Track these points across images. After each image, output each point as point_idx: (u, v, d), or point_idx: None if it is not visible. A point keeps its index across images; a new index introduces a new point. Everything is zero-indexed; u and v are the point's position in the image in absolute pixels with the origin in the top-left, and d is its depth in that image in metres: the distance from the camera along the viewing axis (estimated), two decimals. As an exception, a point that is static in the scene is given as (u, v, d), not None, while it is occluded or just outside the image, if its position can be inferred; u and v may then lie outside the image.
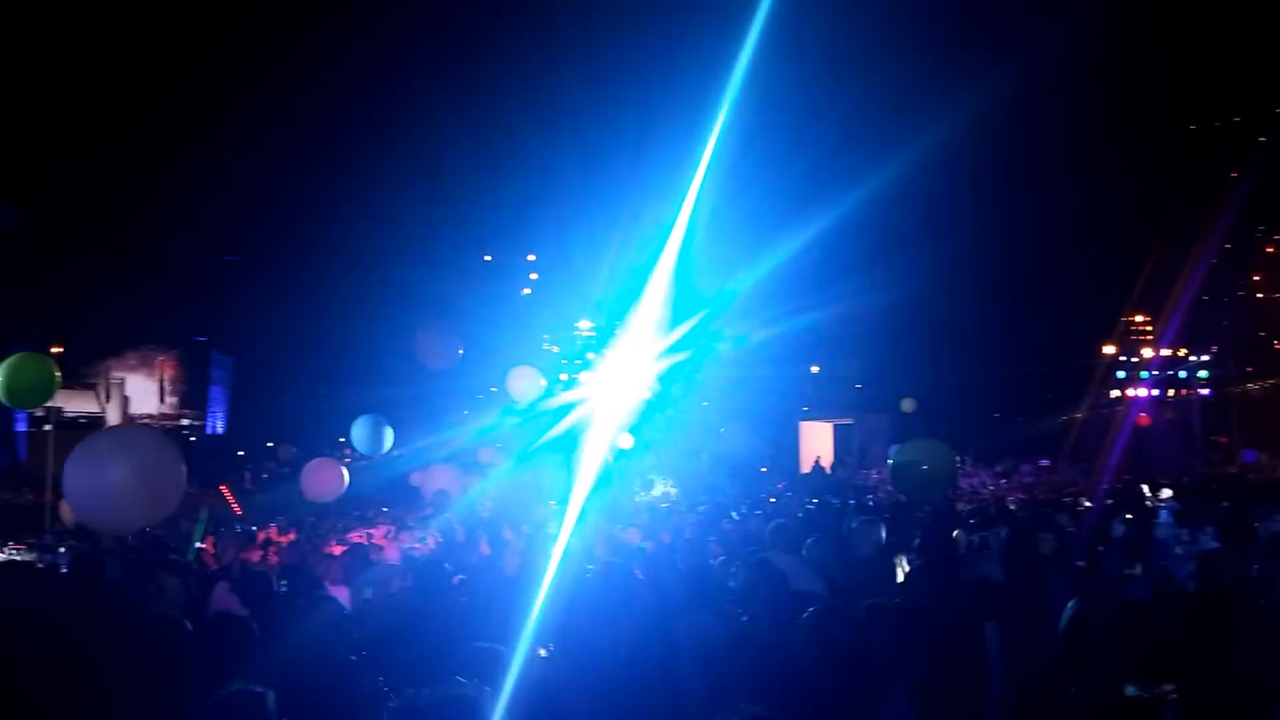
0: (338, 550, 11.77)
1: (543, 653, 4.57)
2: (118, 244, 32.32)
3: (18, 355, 9.94)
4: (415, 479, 17.46)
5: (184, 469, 8.13)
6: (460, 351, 16.34)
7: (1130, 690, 4.86)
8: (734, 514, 12.95)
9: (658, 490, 18.62)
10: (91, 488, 8.15)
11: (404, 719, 2.63)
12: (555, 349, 37.91)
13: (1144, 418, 30.16)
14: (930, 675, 4.42)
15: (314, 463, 16.40)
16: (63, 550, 10.44)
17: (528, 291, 32.26)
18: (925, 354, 27.61)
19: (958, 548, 8.29)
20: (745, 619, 4.86)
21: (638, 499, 15.99)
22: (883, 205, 19.34)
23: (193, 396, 39.30)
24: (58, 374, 10.50)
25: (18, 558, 10.26)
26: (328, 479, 16.33)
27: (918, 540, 7.98)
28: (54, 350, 34.80)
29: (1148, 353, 41.83)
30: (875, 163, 18.85)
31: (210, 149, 29.58)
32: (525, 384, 16.40)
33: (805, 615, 4.31)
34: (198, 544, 9.55)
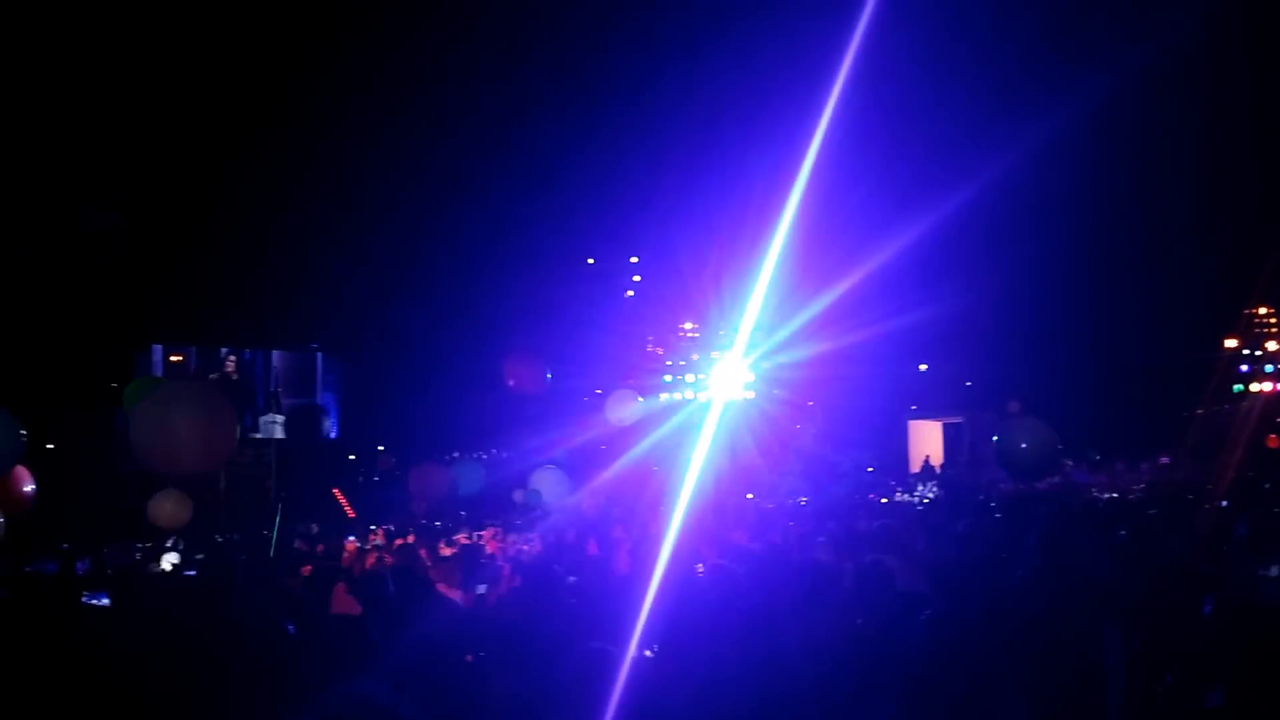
0: (447, 552, 12.00)
1: (648, 654, 4.57)
2: (230, 250, 33.34)
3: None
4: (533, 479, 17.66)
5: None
6: (548, 376, 16.51)
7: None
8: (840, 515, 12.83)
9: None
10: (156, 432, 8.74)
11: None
12: (659, 351, 38.04)
13: (1274, 439, 28.77)
14: (1047, 681, 4.30)
15: (421, 467, 16.89)
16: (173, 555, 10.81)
17: (631, 293, 32.33)
18: (1038, 350, 26.94)
19: (1076, 548, 8.05)
20: (860, 622, 4.82)
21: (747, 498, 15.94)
22: (993, 198, 18.87)
23: (303, 403, 40.36)
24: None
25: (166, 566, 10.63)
26: (435, 482, 16.84)
27: (1034, 540, 7.77)
28: (173, 359, 36.17)
29: (1272, 345, 40.14)
30: (985, 155, 18.42)
31: (319, 154, 30.30)
32: (624, 408, 16.49)
33: (922, 618, 4.25)
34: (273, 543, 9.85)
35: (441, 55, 28.04)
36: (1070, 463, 23.12)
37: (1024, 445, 9.87)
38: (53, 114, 27.52)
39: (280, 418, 39.64)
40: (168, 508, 13.74)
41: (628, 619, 4.70)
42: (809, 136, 12.32)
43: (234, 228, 33.31)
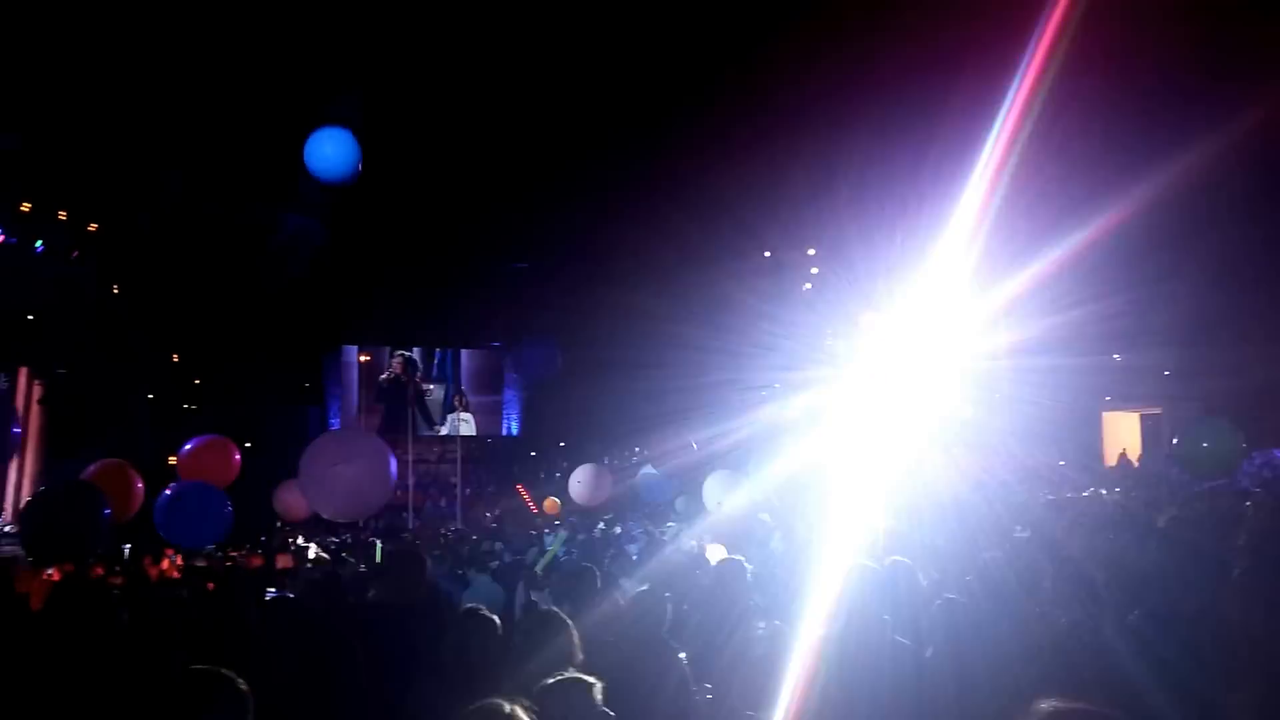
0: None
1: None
2: (420, 254, 34.57)
3: None
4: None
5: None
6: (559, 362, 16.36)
7: None
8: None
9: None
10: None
11: None
12: (839, 345, 37.34)
13: None
14: (1268, 693, 3.97)
15: (581, 470, 17.04)
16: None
17: (809, 286, 31.91)
18: (1241, 338, 25.21)
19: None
20: (1064, 621, 4.63)
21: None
22: (1189, 185, 17.72)
23: (488, 401, 41.68)
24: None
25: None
26: (597, 486, 16.89)
27: (1243, 540, 7.22)
28: (362, 359, 37.82)
29: None
30: (1182, 140, 17.30)
31: (496, 156, 31.03)
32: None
33: (1130, 618, 4.02)
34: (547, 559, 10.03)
35: (608, 53, 28.25)
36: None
37: (1205, 444, 9.42)
38: (252, 126, 29.08)
39: (468, 415, 41.09)
40: (287, 501, 14.38)
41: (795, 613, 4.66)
42: (993, 121, 11.86)
43: (420, 233, 34.60)
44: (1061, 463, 24.22)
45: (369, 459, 9.91)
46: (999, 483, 18.41)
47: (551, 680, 3.39)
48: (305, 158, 10.19)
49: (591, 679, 3.38)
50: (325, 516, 11.19)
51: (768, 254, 33.21)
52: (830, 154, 24.88)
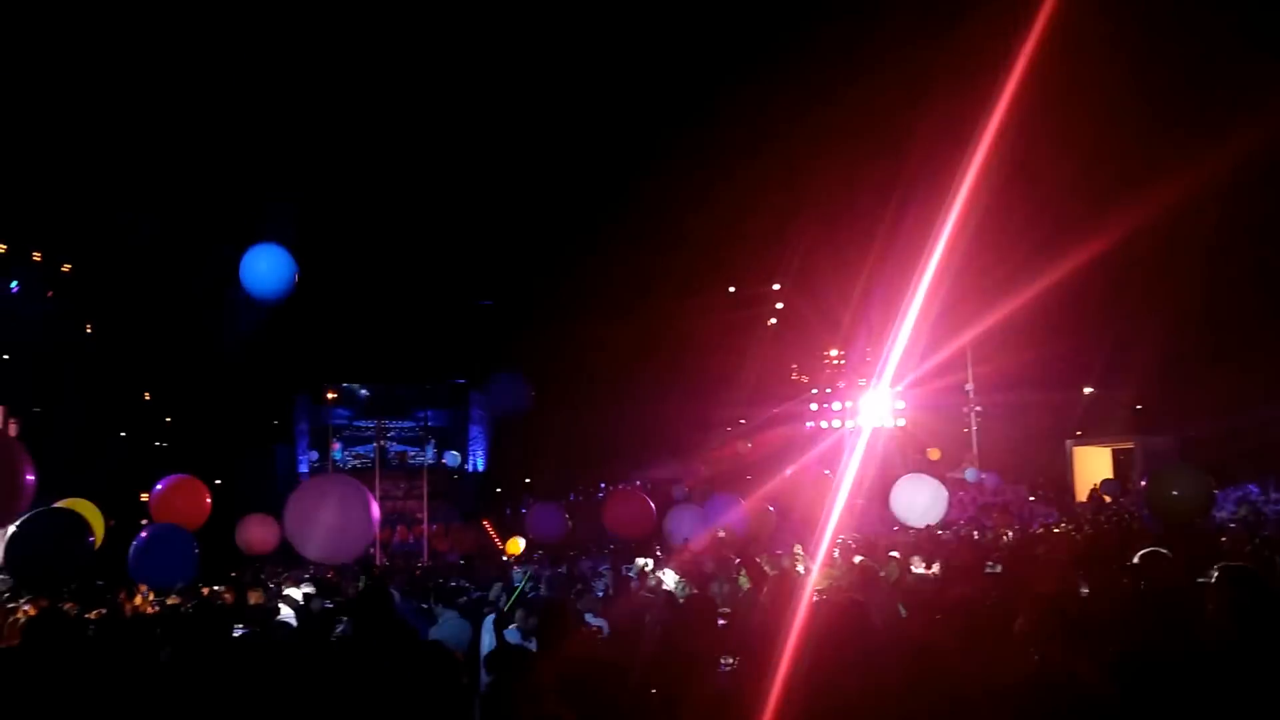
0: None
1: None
2: (382, 293, 34.51)
3: None
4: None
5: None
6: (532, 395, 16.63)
7: None
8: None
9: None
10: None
11: None
12: (804, 379, 37.37)
13: None
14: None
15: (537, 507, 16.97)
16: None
17: (773, 321, 31.96)
18: (1216, 371, 25.34)
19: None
20: (1036, 658, 4.50)
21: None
22: (1160, 223, 17.70)
23: (455, 436, 41.43)
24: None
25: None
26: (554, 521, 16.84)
27: (1217, 576, 7.12)
28: (329, 395, 37.52)
29: None
30: (1155, 178, 17.30)
31: (462, 198, 31.06)
32: None
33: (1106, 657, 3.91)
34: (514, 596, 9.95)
35: (573, 93, 28.33)
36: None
37: (1175, 492, 9.41)
38: (221, 169, 28.95)
39: (453, 453, 41.06)
40: (254, 532, 14.26)
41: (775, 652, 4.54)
42: (964, 156, 11.80)
43: (386, 271, 34.57)
44: (1032, 498, 24.19)
45: (352, 503, 10.19)
46: (969, 518, 18.35)
47: None
48: (241, 275, 10.33)
49: None
50: (310, 558, 11.36)
51: (732, 289, 33.26)
52: (795, 189, 24.98)
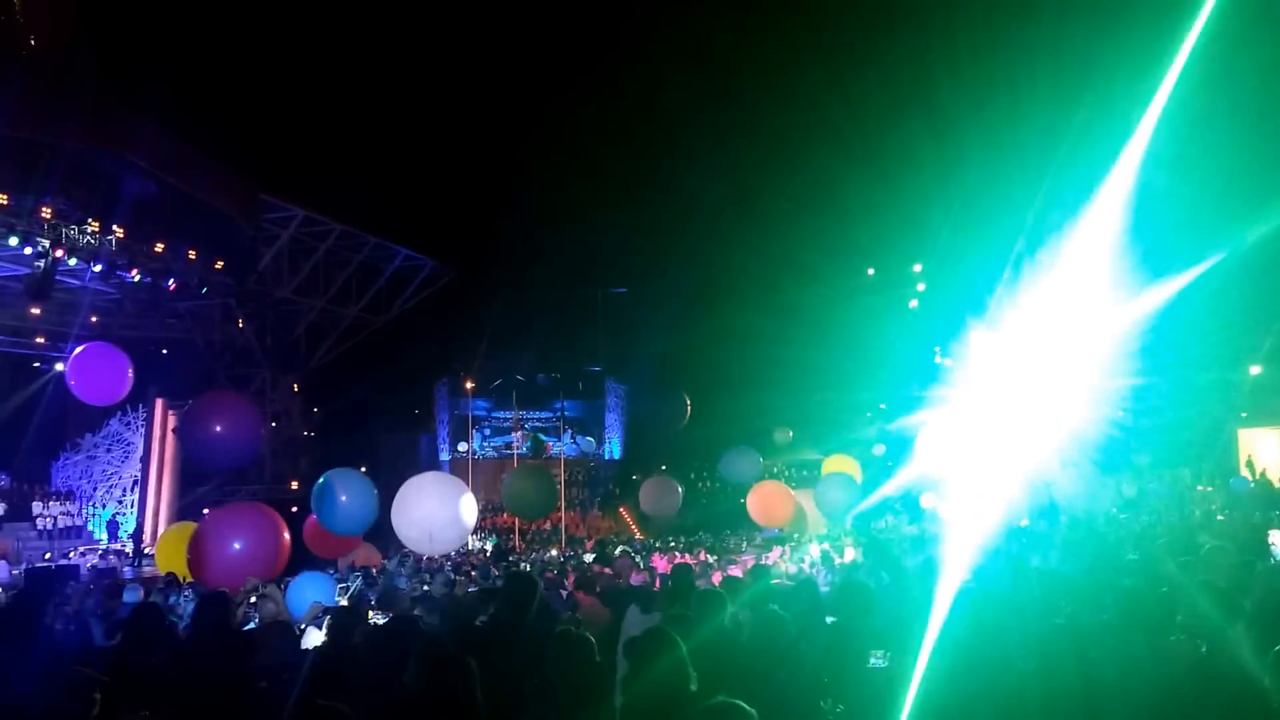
0: (736, 571, 11.82)
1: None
2: (519, 284, 35.07)
3: None
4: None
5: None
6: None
7: None
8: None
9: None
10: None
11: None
12: (948, 361, 36.38)
13: None
14: None
15: (651, 482, 17.27)
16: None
17: (915, 304, 31.28)
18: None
19: None
20: (1203, 649, 4.33)
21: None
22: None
23: (592, 426, 41.91)
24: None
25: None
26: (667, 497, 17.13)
27: None
28: (468, 385, 38.42)
29: None
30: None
31: (593, 186, 31.27)
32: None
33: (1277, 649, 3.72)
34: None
35: (719, 75, 28.17)
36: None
37: None
38: (367, 164, 29.86)
39: (588, 439, 41.63)
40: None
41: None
42: (1118, 128, 11.24)
43: (516, 269, 35.23)
44: (1201, 487, 23.15)
45: (444, 504, 10.83)
46: (1129, 504, 17.63)
47: (710, 705, 3.31)
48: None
49: (749, 708, 3.23)
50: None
51: (871, 271, 32.66)
52: (937, 168, 24.34)
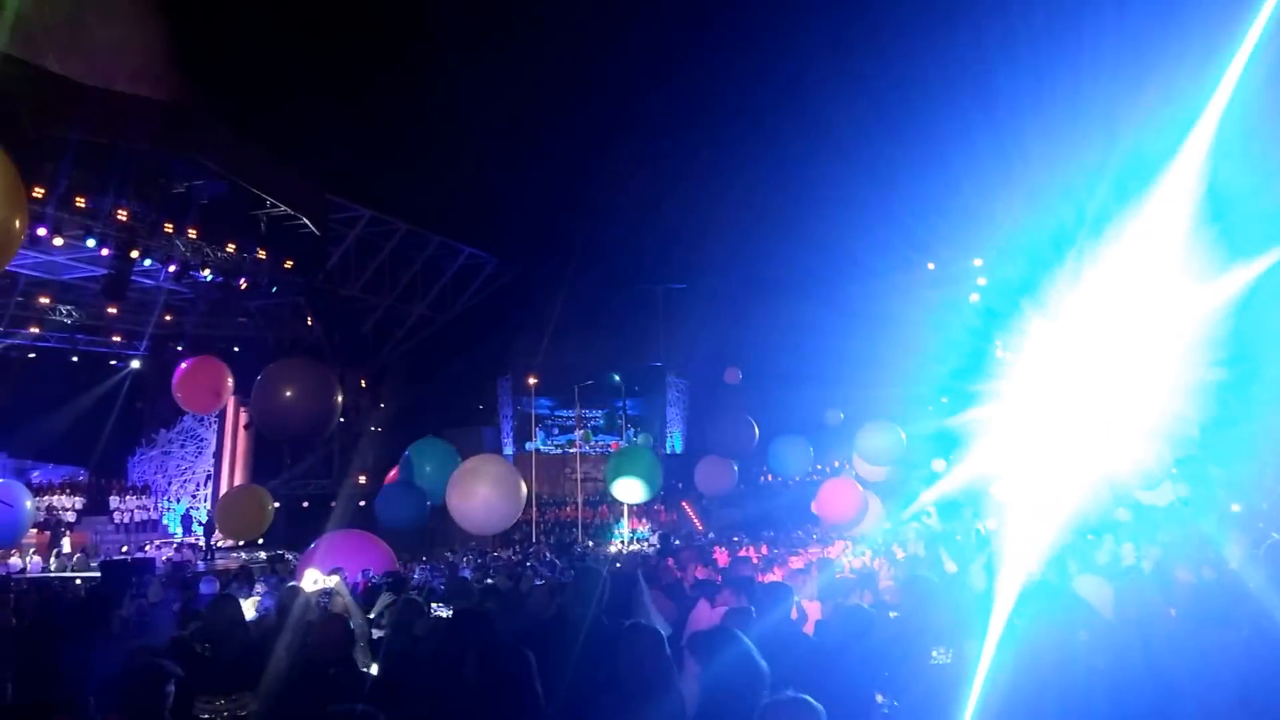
0: (797, 564, 11.90)
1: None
2: (580, 281, 35.27)
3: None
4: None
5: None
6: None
7: None
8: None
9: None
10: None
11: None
12: (1009, 355, 35.82)
13: None
14: None
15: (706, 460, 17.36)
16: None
17: (975, 297, 30.97)
18: None
19: None
20: None
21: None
22: None
23: (652, 424, 42.00)
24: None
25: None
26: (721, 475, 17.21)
27: None
28: (530, 381, 38.80)
29: None
30: None
31: (653, 186, 31.37)
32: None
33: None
34: None
35: (777, 69, 28.13)
36: None
37: None
38: (429, 160, 30.22)
39: (645, 434, 41.78)
40: None
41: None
42: (1190, 110, 10.99)
43: (577, 266, 35.43)
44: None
45: (499, 484, 10.99)
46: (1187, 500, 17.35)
47: (778, 700, 3.37)
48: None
49: (817, 703, 3.31)
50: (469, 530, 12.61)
51: (932, 265, 32.41)
52: (997, 159, 24.05)
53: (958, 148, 25.02)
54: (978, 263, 31.26)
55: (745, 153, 31.54)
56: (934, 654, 5.13)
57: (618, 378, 40.02)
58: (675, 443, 42.35)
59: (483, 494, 11.44)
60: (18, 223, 4.04)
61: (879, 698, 4.96)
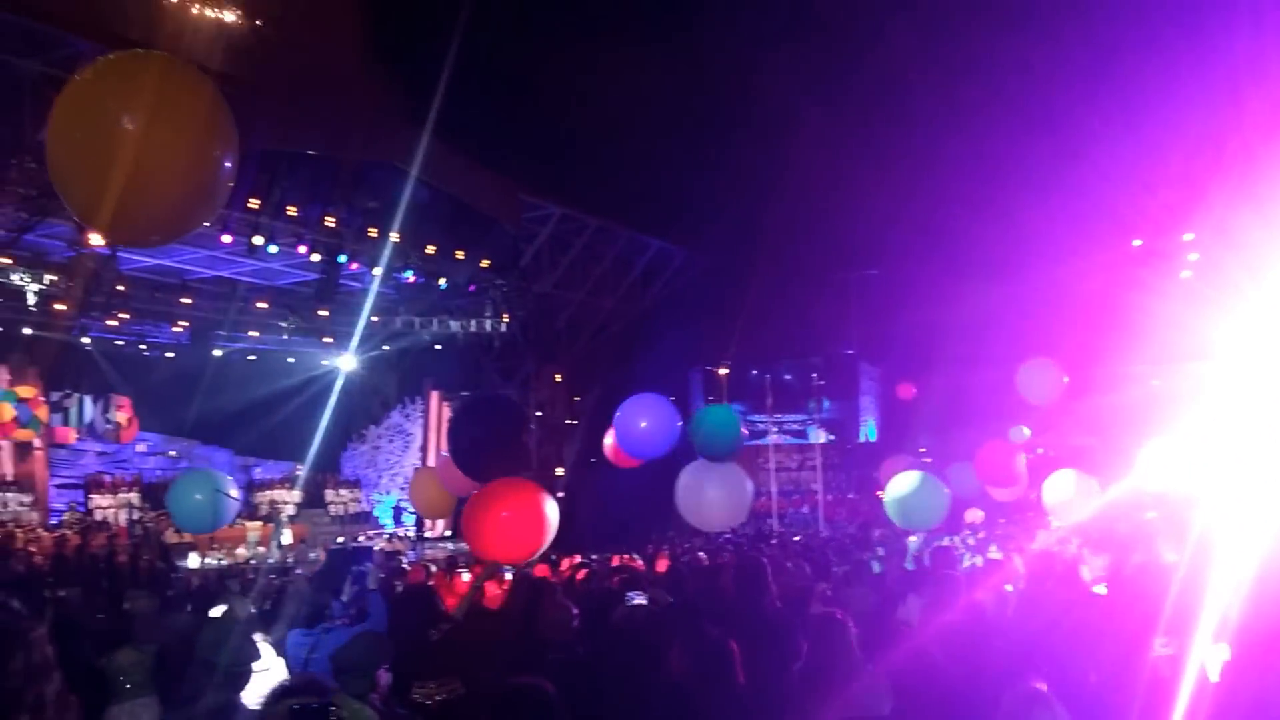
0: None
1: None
2: (769, 271, 35.16)
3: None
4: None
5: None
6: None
7: None
8: None
9: None
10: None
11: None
12: (1225, 338, 33.53)
13: None
14: None
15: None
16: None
17: (1187, 274, 29.25)
18: None
19: None
20: None
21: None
22: None
23: (845, 425, 41.47)
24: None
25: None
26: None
27: None
28: (720, 371, 38.85)
29: None
30: None
31: (842, 172, 30.93)
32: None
33: None
34: None
35: (968, 46, 27.32)
36: None
37: None
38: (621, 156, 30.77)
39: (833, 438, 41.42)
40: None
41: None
42: None
43: (766, 256, 35.29)
44: None
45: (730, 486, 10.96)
46: None
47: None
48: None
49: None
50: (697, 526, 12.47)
51: (1138, 242, 30.74)
52: (1207, 127, 22.66)
53: (1163, 114, 23.66)
54: (1188, 238, 29.53)
55: (936, 132, 30.65)
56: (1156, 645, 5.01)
57: (817, 376, 39.45)
58: (870, 431, 41.71)
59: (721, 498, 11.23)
60: (229, 163, 4.24)
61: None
